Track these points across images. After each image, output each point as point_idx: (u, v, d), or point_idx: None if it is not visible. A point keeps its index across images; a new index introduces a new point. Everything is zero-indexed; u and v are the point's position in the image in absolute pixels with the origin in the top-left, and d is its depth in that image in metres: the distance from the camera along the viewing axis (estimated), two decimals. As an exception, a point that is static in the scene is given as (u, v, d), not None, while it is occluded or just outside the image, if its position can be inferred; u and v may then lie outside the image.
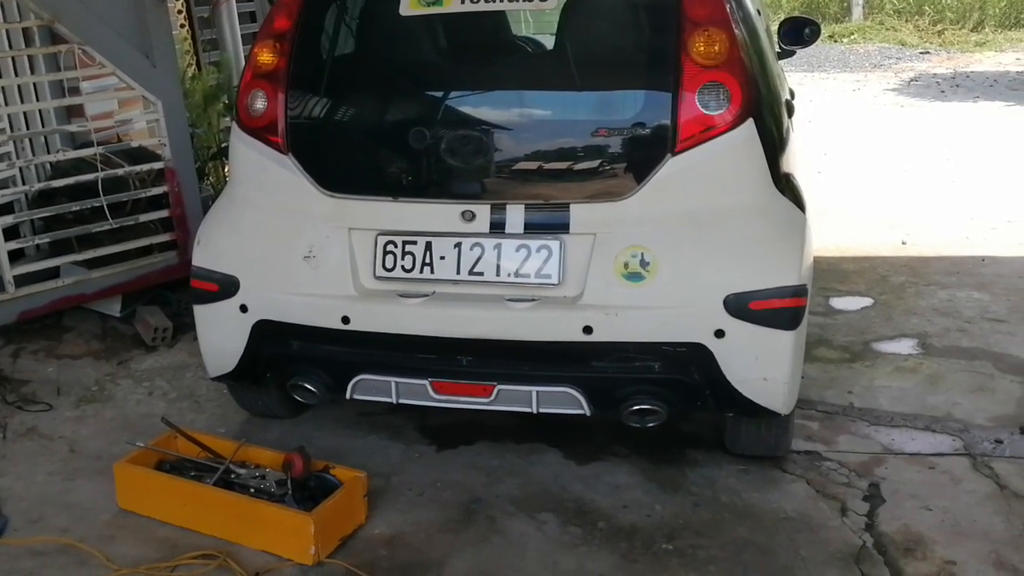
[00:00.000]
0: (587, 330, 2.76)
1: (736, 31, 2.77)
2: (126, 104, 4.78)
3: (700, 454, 3.28)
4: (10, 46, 4.32)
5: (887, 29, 14.80)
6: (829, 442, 3.36)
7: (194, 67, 5.88)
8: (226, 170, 5.12)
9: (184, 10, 5.85)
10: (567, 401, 2.85)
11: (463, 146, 2.87)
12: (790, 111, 3.38)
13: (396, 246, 2.92)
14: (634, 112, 2.84)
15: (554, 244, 2.82)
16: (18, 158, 4.33)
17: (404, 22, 3.01)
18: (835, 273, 4.96)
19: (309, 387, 3.06)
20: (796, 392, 2.91)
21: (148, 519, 2.97)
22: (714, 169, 2.77)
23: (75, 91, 4.47)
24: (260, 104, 3.04)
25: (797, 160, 3.28)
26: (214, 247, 3.13)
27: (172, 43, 4.56)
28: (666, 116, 2.75)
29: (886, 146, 8.01)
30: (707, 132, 2.74)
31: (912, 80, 11.36)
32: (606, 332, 2.76)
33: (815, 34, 4.42)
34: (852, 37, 14.52)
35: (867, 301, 4.65)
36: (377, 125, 3.11)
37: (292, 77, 3.02)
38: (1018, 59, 12.51)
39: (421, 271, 2.90)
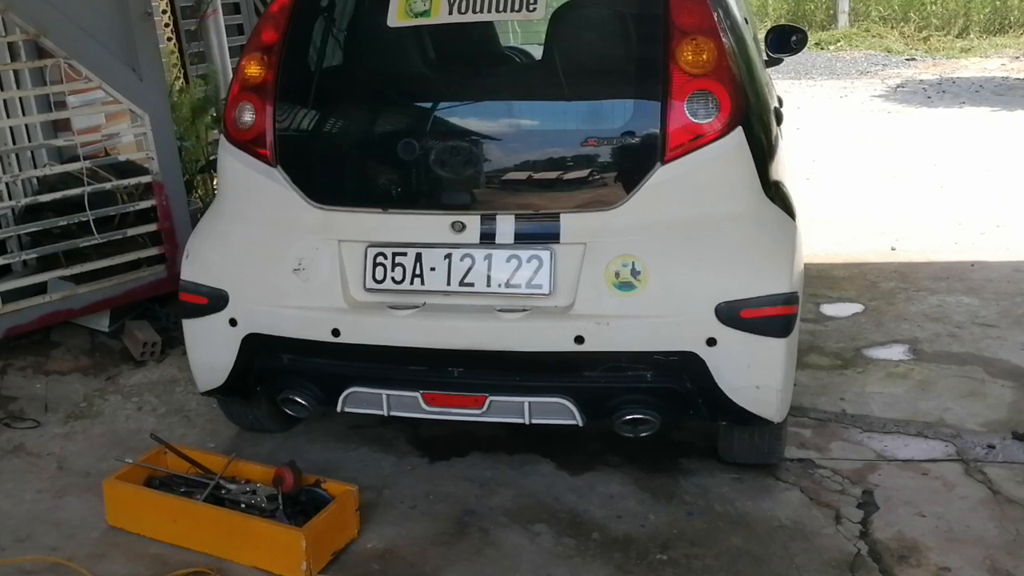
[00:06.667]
0: (579, 340, 2.75)
1: (724, 39, 2.78)
2: (113, 118, 4.76)
3: (693, 463, 3.27)
4: (-5, 61, 4.30)
5: (873, 36, 14.87)
6: (822, 449, 3.36)
7: (181, 80, 5.86)
8: (214, 183, 5.09)
9: (171, 23, 5.84)
10: (559, 411, 2.84)
11: (452, 157, 2.87)
12: (778, 119, 3.39)
13: (386, 257, 2.91)
14: (623, 121, 2.84)
15: (545, 254, 2.81)
16: (4, 173, 4.30)
17: (392, 33, 3.01)
18: (825, 280, 4.97)
19: (300, 400, 3.04)
20: (789, 400, 2.90)
21: (138, 536, 2.94)
22: (704, 177, 2.77)
23: (61, 105, 4.45)
24: (248, 117, 3.03)
25: (786, 167, 3.29)
26: (203, 261, 3.11)
27: (159, 56, 4.54)
28: (655, 125, 2.75)
29: (874, 152, 8.04)
30: (696, 140, 2.74)
31: (898, 86, 11.42)
32: (598, 342, 2.75)
33: (802, 42, 4.45)
34: (838, 44, 14.59)
35: (858, 307, 4.65)
36: (366, 137, 3.10)
37: (280, 89, 3.01)
38: (1003, 64, 12.59)
39: (411, 282, 2.88)
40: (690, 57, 2.73)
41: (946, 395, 3.71)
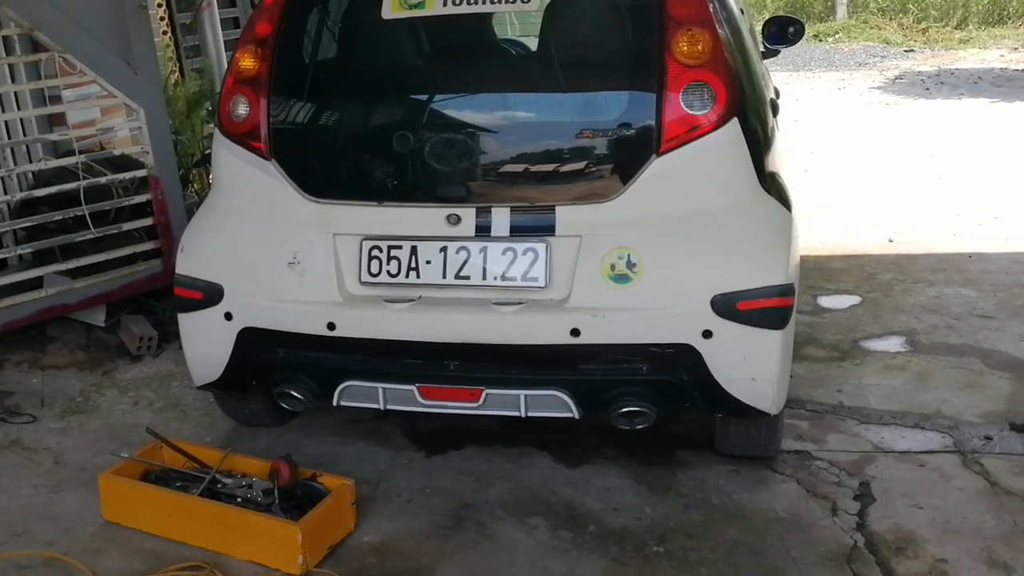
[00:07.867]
0: (574, 332, 2.74)
1: (719, 30, 2.77)
2: (108, 112, 4.74)
3: (690, 455, 3.27)
4: (-10, 55, 4.28)
5: (871, 27, 14.85)
6: (819, 441, 3.35)
7: (177, 74, 5.85)
8: (210, 177, 5.08)
9: (166, 16, 5.82)
10: (555, 404, 2.83)
11: (447, 149, 2.86)
12: (775, 110, 3.38)
13: (381, 251, 2.90)
14: (618, 113, 2.83)
15: (540, 247, 2.80)
16: (-1, 168, 4.30)
17: (387, 25, 3.00)
18: (823, 271, 4.96)
19: (296, 394, 3.03)
20: (785, 392, 2.90)
21: (134, 531, 2.94)
22: (699, 169, 2.77)
23: (56, 99, 4.44)
24: (242, 110, 3.02)
25: (782, 159, 3.28)
26: (198, 255, 3.10)
27: (154, 50, 4.53)
28: (650, 117, 2.74)
29: (872, 144, 8.03)
30: (692, 132, 2.73)
31: (897, 78, 11.40)
32: (594, 334, 2.74)
33: (799, 33, 4.44)
34: (837, 36, 14.56)
35: (855, 299, 4.65)
36: (361, 129, 3.09)
37: (274, 82, 3.00)
38: (1002, 56, 12.57)
39: (407, 276, 2.88)
40: (685, 48, 2.72)
41: (943, 387, 3.71)
